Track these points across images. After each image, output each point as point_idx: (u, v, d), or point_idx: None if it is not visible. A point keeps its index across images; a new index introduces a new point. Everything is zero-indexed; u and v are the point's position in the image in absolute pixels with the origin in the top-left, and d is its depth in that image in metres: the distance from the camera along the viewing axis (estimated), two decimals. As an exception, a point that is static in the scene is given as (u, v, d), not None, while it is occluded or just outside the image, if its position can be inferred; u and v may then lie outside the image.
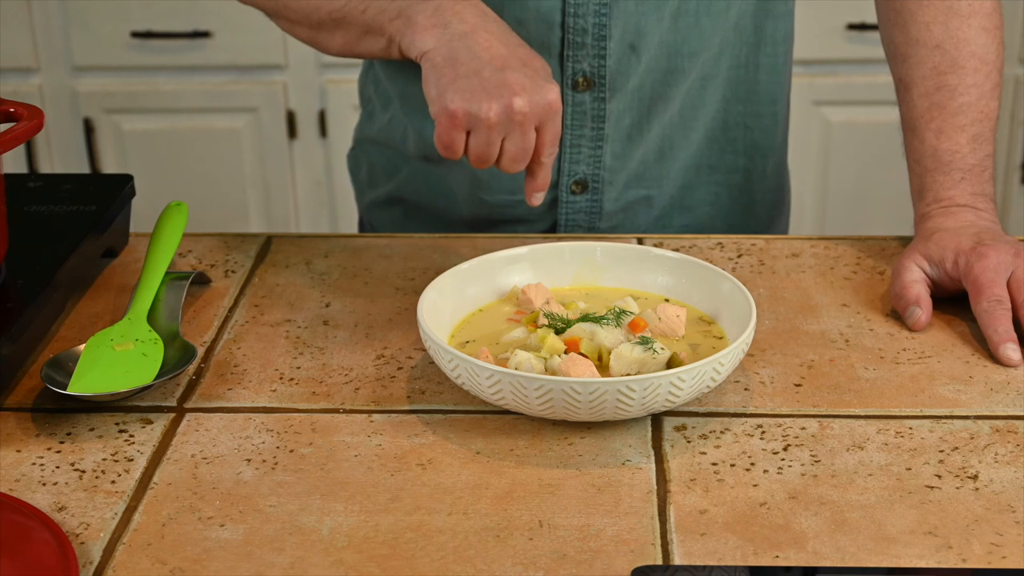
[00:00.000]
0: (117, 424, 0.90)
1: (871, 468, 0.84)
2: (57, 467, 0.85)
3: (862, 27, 2.48)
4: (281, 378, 0.96)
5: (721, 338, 0.96)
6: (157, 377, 0.92)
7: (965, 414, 0.90)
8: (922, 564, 0.76)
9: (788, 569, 0.76)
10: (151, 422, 0.90)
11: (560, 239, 1.20)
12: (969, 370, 0.96)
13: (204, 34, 2.52)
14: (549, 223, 1.25)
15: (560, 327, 0.94)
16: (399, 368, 0.97)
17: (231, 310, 1.06)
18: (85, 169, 2.61)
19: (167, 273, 1.05)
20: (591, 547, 0.77)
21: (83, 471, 0.85)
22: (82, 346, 0.95)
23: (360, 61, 1.39)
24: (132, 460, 0.86)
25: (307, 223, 2.67)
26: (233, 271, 1.12)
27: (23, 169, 2.60)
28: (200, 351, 0.99)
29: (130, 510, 0.81)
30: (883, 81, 1.25)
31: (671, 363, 0.90)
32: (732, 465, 0.85)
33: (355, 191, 1.39)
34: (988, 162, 1.10)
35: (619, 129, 1.21)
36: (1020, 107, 2.56)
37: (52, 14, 2.52)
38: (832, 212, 2.65)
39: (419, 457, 0.86)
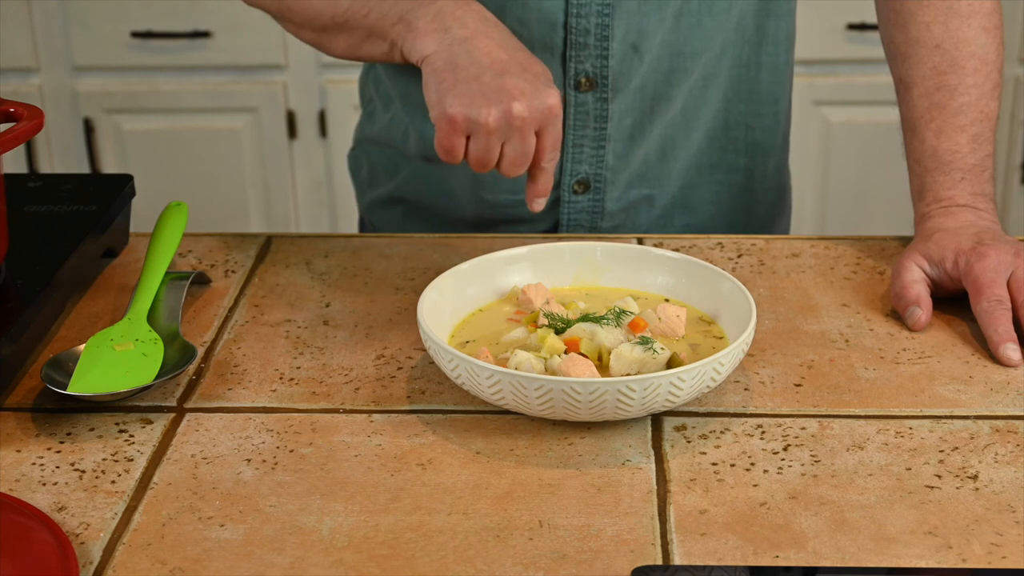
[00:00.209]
0: (117, 424, 0.90)
1: (871, 468, 0.84)
2: (57, 467, 0.85)
3: (862, 27, 2.48)
4: (281, 378, 0.96)
5: (721, 338, 0.96)
6: (157, 377, 0.92)
7: (965, 414, 0.90)
8: (922, 564, 0.76)
9: (788, 569, 0.76)
10: (151, 422, 0.90)
11: (561, 239, 1.20)
12: (969, 370, 0.96)
13: (204, 34, 2.52)
14: (551, 223, 1.25)
15: (560, 327, 0.94)
16: (399, 368, 0.97)
17: (231, 310, 1.06)
18: (85, 169, 2.61)
19: (167, 273, 1.05)
20: (591, 547, 0.77)
21: (83, 471, 0.85)
22: (82, 346, 0.95)
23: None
24: (132, 460, 0.86)
25: (307, 223, 2.67)
26: (233, 271, 1.12)
27: (23, 169, 2.60)
28: (200, 351, 0.99)
29: (130, 510, 0.81)
30: (883, 81, 1.25)
31: (671, 363, 0.90)
32: (732, 465, 0.85)
33: (355, 191, 1.39)
34: (988, 162, 1.10)
35: (621, 129, 1.21)
36: (1020, 107, 2.56)
37: (52, 14, 2.52)
38: (832, 212, 2.65)
39: (419, 457, 0.86)
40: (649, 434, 0.88)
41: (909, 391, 0.93)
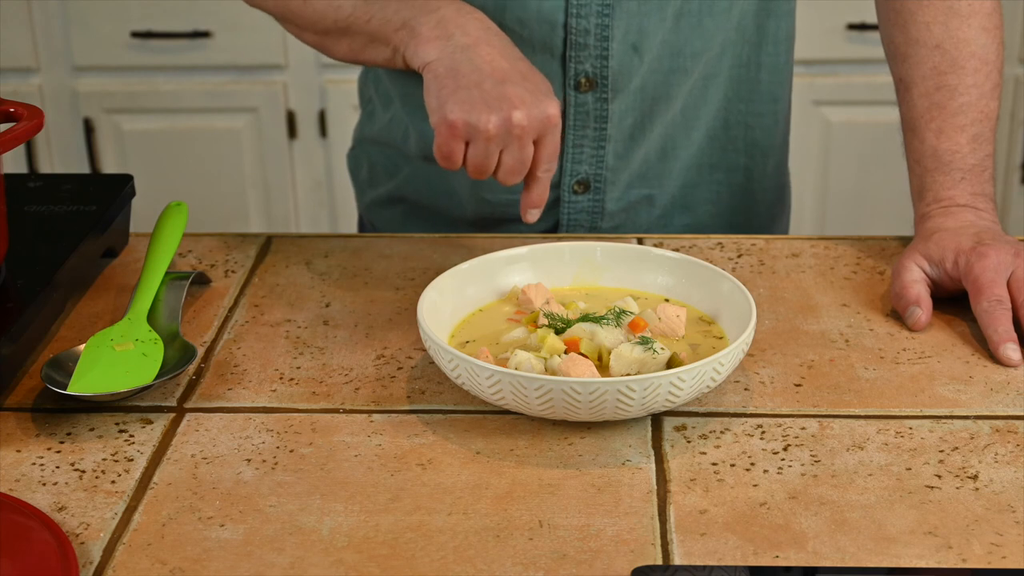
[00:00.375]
0: (117, 424, 0.90)
1: (871, 468, 0.84)
2: (57, 467, 0.85)
3: (862, 27, 2.48)
4: (281, 378, 0.96)
5: (721, 338, 0.96)
6: (157, 377, 0.92)
7: (965, 414, 0.90)
8: (922, 564, 0.76)
9: (788, 569, 0.76)
10: (151, 422, 0.90)
11: (561, 239, 1.20)
12: (969, 370, 0.96)
13: (204, 34, 2.52)
14: (551, 223, 1.25)
15: (560, 327, 0.94)
16: (399, 368, 0.97)
17: (231, 310, 1.06)
18: (85, 169, 2.61)
19: (167, 273, 1.05)
20: (591, 547, 0.77)
21: (83, 471, 0.85)
22: (82, 346, 0.95)
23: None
24: (132, 460, 0.86)
25: (307, 223, 2.67)
26: (233, 271, 1.12)
27: (23, 169, 2.60)
28: (200, 351, 0.99)
29: (130, 510, 0.81)
30: (883, 81, 1.25)
31: (671, 363, 0.90)
32: (732, 465, 0.85)
33: (355, 191, 1.39)
34: (988, 162, 1.10)
35: (621, 129, 1.21)
36: (1020, 107, 2.56)
37: (52, 14, 2.52)
38: (832, 212, 2.65)
39: (419, 457, 0.86)
40: (649, 434, 0.88)
41: (909, 391, 0.93)
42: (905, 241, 1.15)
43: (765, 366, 0.97)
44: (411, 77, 1.24)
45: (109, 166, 2.62)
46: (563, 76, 1.18)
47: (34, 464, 0.86)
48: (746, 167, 1.27)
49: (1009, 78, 2.52)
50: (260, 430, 0.89)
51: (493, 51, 0.99)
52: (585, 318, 0.94)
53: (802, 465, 0.85)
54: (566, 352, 0.91)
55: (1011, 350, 0.96)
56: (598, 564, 0.76)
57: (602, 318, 0.94)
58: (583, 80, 1.18)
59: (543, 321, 0.95)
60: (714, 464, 0.85)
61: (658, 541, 0.78)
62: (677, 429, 0.89)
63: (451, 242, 1.17)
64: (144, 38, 2.52)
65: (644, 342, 0.90)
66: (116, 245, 1.14)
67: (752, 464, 0.85)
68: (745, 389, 0.94)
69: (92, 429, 0.90)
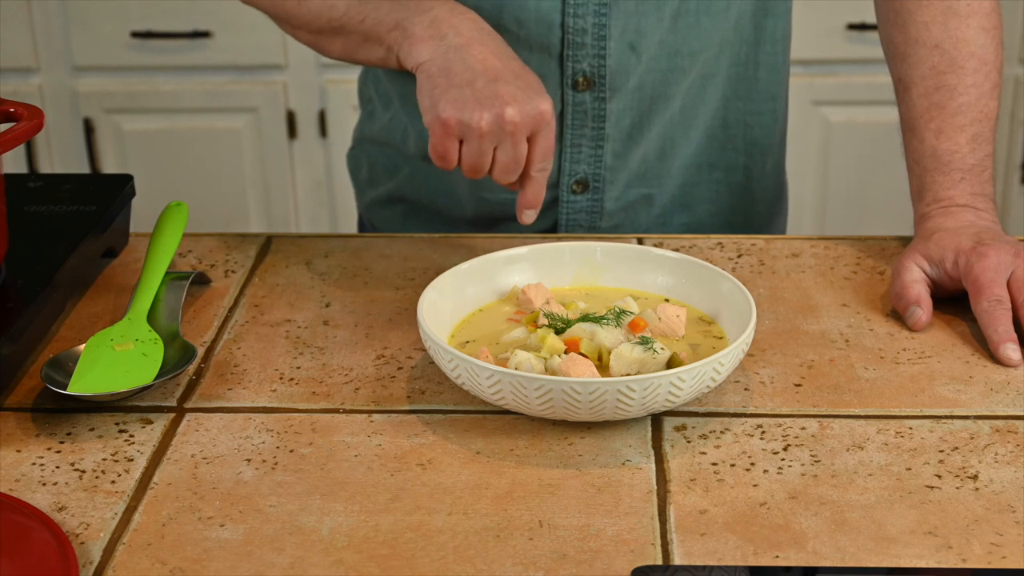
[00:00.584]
0: (117, 424, 0.90)
1: (871, 468, 0.84)
2: (57, 467, 0.85)
3: (862, 27, 2.48)
4: (281, 378, 0.96)
5: (721, 338, 0.96)
6: (157, 377, 0.92)
7: (965, 414, 0.90)
8: (922, 564, 0.76)
9: (788, 569, 0.76)
10: (151, 422, 0.90)
11: (560, 239, 1.20)
12: (969, 370, 0.96)
13: (204, 34, 2.52)
14: (550, 222, 1.25)
15: (560, 327, 0.94)
16: (399, 368, 0.97)
17: (231, 310, 1.06)
18: (85, 169, 2.61)
19: (167, 273, 1.05)
20: (591, 547, 0.77)
21: (83, 471, 0.85)
22: (82, 346, 0.95)
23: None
24: (132, 460, 0.86)
25: (307, 223, 2.67)
26: (233, 271, 1.12)
27: (23, 169, 2.60)
28: (200, 351, 0.99)
29: (130, 510, 0.81)
30: (883, 81, 1.25)
31: (671, 363, 0.90)
32: (732, 465, 0.85)
33: (355, 191, 1.39)
34: (988, 162, 1.10)
35: (619, 128, 1.21)
36: (1020, 107, 2.56)
37: (52, 14, 2.52)
38: (832, 212, 2.65)
39: (419, 457, 0.86)
40: (649, 434, 0.88)
41: (909, 391, 0.93)
42: (905, 241, 1.15)
43: (765, 366, 0.97)
44: (410, 77, 1.24)
45: (109, 166, 2.62)
46: (560, 75, 1.18)
47: (34, 464, 0.86)
48: (745, 166, 1.27)
49: (1009, 78, 2.52)
50: (260, 430, 0.89)
51: (486, 50, 0.99)
52: (585, 318, 0.94)
53: (802, 465, 0.85)
54: (566, 352, 0.91)
55: (1011, 350, 0.96)
56: (598, 564, 0.76)
57: (602, 318, 0.94)
58: (581, 79, 1.18)
59: (543, 321, 0.95)
60: (714, 464, 0.85)
61: (658, 541, 0.78)
62: (677, 429, 0.89)
63: (451, 242, 1.17)
64: (144, 38, 2.52)
65: (644, 342, 0.90)
66: (116, 245, 1.14)
67: (752, 464, 0.85)
68: (745, 389, 0.94)
69: (92, 429, 0.90)
